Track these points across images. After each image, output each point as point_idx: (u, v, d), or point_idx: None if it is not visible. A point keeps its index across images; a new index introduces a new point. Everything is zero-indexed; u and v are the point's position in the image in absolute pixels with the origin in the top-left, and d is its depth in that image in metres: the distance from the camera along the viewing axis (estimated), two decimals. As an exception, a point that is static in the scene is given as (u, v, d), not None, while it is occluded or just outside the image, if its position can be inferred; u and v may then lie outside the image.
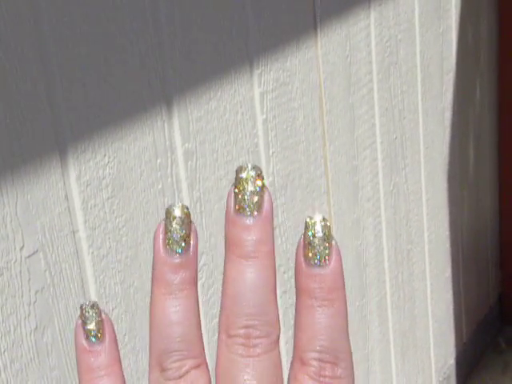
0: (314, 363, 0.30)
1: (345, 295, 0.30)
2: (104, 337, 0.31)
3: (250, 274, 0.30)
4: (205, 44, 0.93)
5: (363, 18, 1.27)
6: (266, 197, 0.30)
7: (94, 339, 0.31)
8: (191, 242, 0.30)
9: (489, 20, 1.78)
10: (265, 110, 1.06)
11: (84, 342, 0.31)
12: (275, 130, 1.08)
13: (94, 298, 0.81)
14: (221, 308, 0.30)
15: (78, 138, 0.77)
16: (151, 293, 0.30)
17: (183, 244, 0.30)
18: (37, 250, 0.73)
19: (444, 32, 1.57)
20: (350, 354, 0.30)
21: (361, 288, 1.35)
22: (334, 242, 0.30)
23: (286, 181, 1.12)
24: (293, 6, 1.09)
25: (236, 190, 0.30)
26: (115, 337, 0.32)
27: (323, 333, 0.30)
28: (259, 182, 0.30)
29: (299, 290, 0.30)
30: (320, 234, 0.30)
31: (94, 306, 0.32)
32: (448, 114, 1.63)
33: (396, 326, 1.50)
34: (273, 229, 0.30)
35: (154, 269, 0.31)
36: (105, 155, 0.80)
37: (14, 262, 0.71)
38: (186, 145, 0.92)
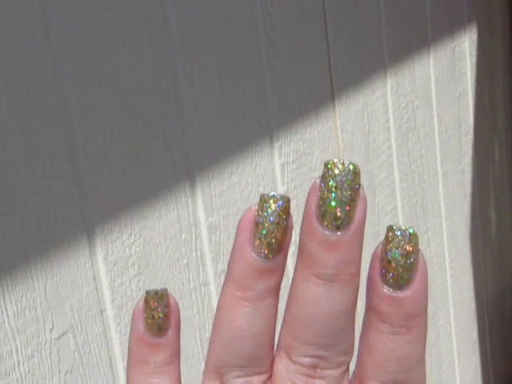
0: None
1: (426, 320, 0.25)
2: (168, 330, 0.27)
3: (326, 299, 0.24)
4: (225, 119, 0.96)
5: (380, 87, 1.29)
6: (360, 206, 0.24)
7: (155, 331, 0.27)
8: (284, 246, 0.25)
9: (504, 81, 1.80)
10: (286, 181, 1.07)
11: (143, 332, 0.27)
12: (296, 199, 1.10)
13: (120, 375, 0.81)
14: (283, 323, 0.25)
15: (105, 218, 0.79)
16: (223, 292, 0.26)
17: (276, 247, 0.24)
18: (66, 331, 0.74)
19: (460, 95, 1.59)
20: (425, 382, 0.26)
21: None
22: (421, 258, 0.24)
23: (308, 250, 1.12)
24: (310, 77, 1.12)
25: (324, 190, 0.23)
26: (179, 329, 0.28)
27: (394, 364, 0.25)
28: (355, 183, 0.23)
29: (370, 309, 0.25)
30: (404, 250, 0.23)
31: (163, 295, 0.27)
32: (468, 176, 1.64)
33: (424, 392, 1.49)
34: (361, 246, 0.25)
35: (231, 265, 0.25)
36: (131, 234, 0.82)
37: (44, 344, 0.72)
38: (210, 219, 0.93)
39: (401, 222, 1.38)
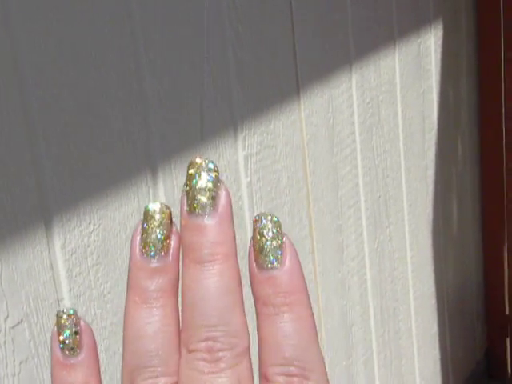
0: (279, 379, 0.26)
1: (307, 298, 0.27)
2: (81, 349, 0.28)
3: (205, 280, 0.26)
4: (189, 109, 0.95)
5: (345, 81, 1.29)
6: (222, 191, 0.27)
7: (68, 352, 0.27)
8: (171, 245, 0.27)
9: (469, 78, 1.82)
10: (249, 172, 1.07)
11: (59, 354, 0.28)
12: (260, 192, 1.09)
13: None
14: (181, 321, 0.27)
15: (63, 206, 0.78)
16: (125, 301, 0.27)
17: (160, 247, 0.27)
18: (21, 320, 0.73)
19: (425, 92, 1.60)
20: (321, 362, 0.27)
21: (347, 348, 1.35)
22: (285, 239, 0.27)
23: (270, 242, 1.12)
24: (275, 70, 1.12)
25: (187, 188, 0.27)
26: (95, 348, 0.28)
27: (285, 343, 0.26)
28: (212, 176, 0.26)
29: (255, 300, 0.27)
30: (269, 234, 0.26)
31: (70, 313, 0.28)
32: (430, 172, 1.65)
33: (383, 385, 1.50)
34: (233, 228, 0.27)
35: (128, 275, 0.27)
36: (90, 223, 0.81)
37: (-1, 333, 0.71)
38: (172, 209, 0.93)
39: (363, 216, 1.39)
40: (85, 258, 0.80)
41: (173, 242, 0.27)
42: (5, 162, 0.71)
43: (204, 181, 0.26)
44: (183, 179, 0.95)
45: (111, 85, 0.83)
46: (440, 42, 1.65)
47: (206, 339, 0.26)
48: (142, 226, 0.27)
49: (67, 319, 0.28)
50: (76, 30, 0.78)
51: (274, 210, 1.13)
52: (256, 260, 0.26)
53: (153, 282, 0.27)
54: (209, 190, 0.26)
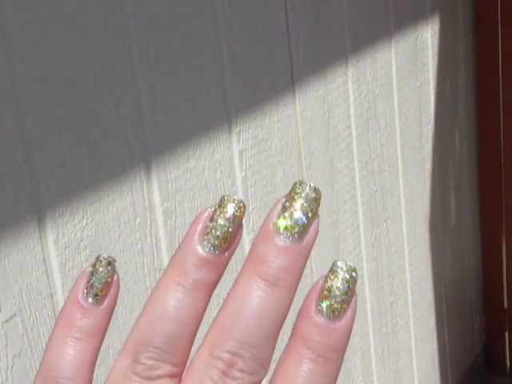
0: None
1: (342, 359, 0.26)
2: (103, 301, 0.27)
3: (259, 298, 0.25)
4: (182, 103, 0.95)
5: (341, 75, 1.29)
6: (314, 226, 0.26)
7: (90, 297, 0.27)
8: (233, 245, 0.26)
9: (466, 72, 1.82)
10: (244, 167, 1.07)
11: (79, 293, 0.27)
12: (255, 186, 1.09)
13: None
14: (214, 320, 0.26)
15: (56, 200, 0.78)
16: (163, 274, 0.27)
17: (222, 243, 0.26)
18: (14, 315, 0.73)
19: (422, 85, 1.60)
20: None
21: (344, 341, 1.35)
22: (354, 299, 0.26)
23: (266, 236, 1.12)
24: (270, 63, 1.11)
25: (287, 204, 0.26)
26: (112, 310, 0.28)
27: None
28: (313, 206, 0.25)
29: (296, 335, 0.26)
30: (345, 287, 0.26)
31: (110, 263, 0.27)
32: (428, 166, 1.65)
33: (381, 379, 1.50)
34: (305, 264, 0.26)
35: (177, 253, 0.27)
36: (83, 217, 0.81)
37: (-9, 328, 0.71)
38: (165, 204, 0.93)
39: (360, 210, 1.39)
40: (78, 252, 0.80)
41: (233, 245, 0.26)
42: (-4, 156, 0.71)
43: (306, 207, 0.25)
44: (177, 173, 0.95)
45: (103, 78, 0.82)
46: (437, 36, 1.64)
47: (233, 353, 0.25)
48: (212, 214, 0.26)
49: (106, 266, 0.27)
50: (68, 22, 0.78)
51: (269, 205, 1.13)
52: (317, 303, 0.26)
53: (200, 271, 0.26)
54: (306, 218, 0.25)
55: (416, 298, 1.64)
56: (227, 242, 0.26)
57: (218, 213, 0.26)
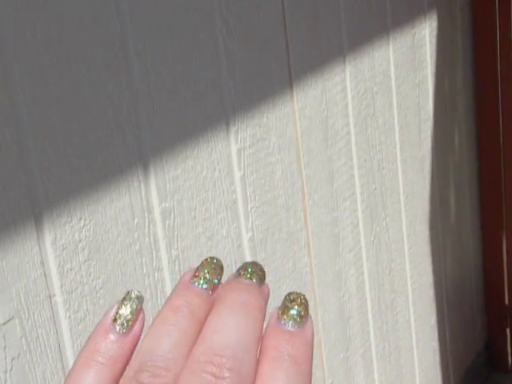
0: None
1: (310, 364, 0.28)
2: (129, 331, 0.29)
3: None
4: (180, 102, 0.94)
5: (338, 72, 1.29)
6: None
7: (118, 326, 0.29)
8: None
9: (464, 68, 1.81)
10: (242, 166, 1.06)
11: (108, 321, 0.29)
12: (253, 185, 1.09)
13: (70, 362, 0.80)
14: (198, 339, 0.28)
15: (53, 201, 0.77)
16: (174, 293, 0.30)
17: (212, 280, 0.30)
18: (12, 317, 0.73)
19: (420, 82, 1.59)
20: None
21: (345, 340, 1.35)
22: (309, 319, 0.29)
23: (265, 235, 1.12)
24: (267, 62, 1.11)
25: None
26: (137, 341, 0.30)
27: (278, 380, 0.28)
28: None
29: (266, 348, 0.28)
30: (297, 311, 0.29)
31: (139, 297, 0.30)
32: (427, 163, 1.65)
33: (382, 378, 1.50)
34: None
35: (185, 275, 0.30)
36: (80, 218, 0.81)
37: (-11, 330, 0.71)
38: (163, 204, 0.92)
39: (359, 208, 1.38)
40: (76, 253, 0.80)
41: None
42: (-7, 157, 0.71)
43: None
44: (175, 172, 0.94)
45: (100, 79, 0.82)
46: (435, 33, 1.64)
47: (221, 356, 0.27)
48: (197, 270, 0.31)
49: (135, 300, 0.30)
50: (64, 22, 0.77)
51: (267, 203, 1.12)
52: (279, 317, 0.29)
53: (202, 296, 0.30)
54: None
55: (417, 296, 1.64)
56: (214, 283, 0.30)
57: (199, 270, 0.30)
